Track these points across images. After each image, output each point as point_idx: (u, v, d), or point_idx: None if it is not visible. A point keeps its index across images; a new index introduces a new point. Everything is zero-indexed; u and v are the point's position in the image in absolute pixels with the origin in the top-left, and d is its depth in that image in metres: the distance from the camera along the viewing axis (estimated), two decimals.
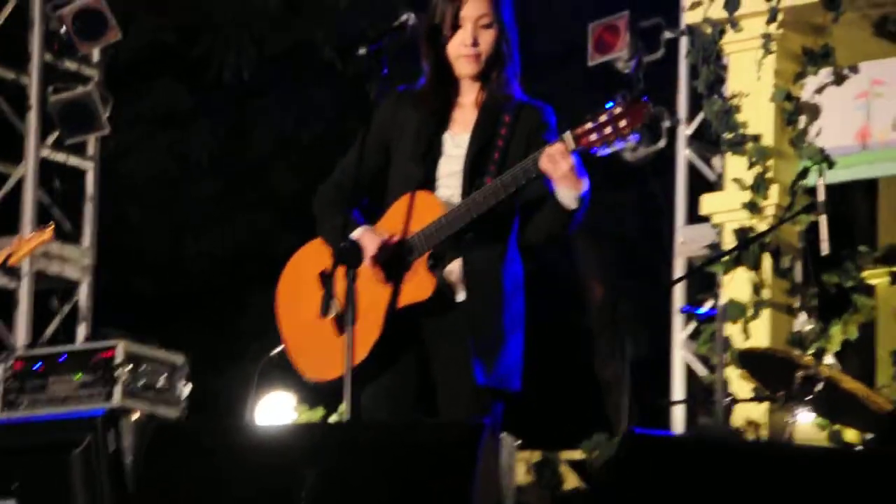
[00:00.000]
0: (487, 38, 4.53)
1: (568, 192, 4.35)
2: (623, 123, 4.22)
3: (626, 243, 11.79)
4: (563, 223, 4.42)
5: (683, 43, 8.17)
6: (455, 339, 4.46)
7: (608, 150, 4.27)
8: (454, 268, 4.49)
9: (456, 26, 4.54)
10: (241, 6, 10.76)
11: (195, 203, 11.61)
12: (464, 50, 4.54)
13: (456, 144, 4.55)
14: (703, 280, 8.05)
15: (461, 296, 4.48)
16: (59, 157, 8.66)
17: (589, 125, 4.26)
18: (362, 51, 4.43)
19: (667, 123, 8.34)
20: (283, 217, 10.67)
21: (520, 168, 4.38)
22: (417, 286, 4.46)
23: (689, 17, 7.99)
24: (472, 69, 4.55)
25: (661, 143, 8.34)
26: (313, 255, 4.61)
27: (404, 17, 4.52)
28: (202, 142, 11.26)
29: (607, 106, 4.24)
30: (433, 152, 4.54)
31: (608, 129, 4.24)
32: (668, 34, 8.26)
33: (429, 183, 4.52)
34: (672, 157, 8.42)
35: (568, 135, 4.29)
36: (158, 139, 11.35)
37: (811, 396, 5.70)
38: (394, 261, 4.48)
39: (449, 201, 4.49)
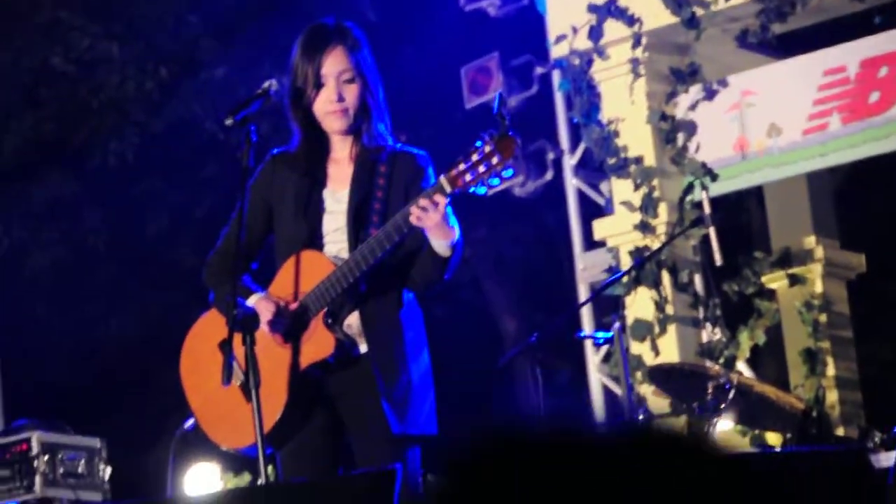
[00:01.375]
0: (352, 92, 4.67)
1: (440, 242, 4.48)
2: (495, 160, 4.34)
3: (533, 276, 11.99)
4: (438, 270, 4.54)
5: (556, 76, 8.36)
6: (363, 392, 4.57)
7: (485, 189, 4.40)
8: (352, 321, 4.61)
9: (319, 84, 4.67)
10: (116, 91, 10.91)
11: (97, 290, 11.63)
12: (330, 106, 4.67)
13: (336, 200, 4.68)
14: (609, 303, 8.23)
15: (363, 348, 4.61)
16: None
17: (462, 166, 4.38)
18: (229, 121, 4.55)
19: (551, 155, 8.53)
20: (186, 293, 10.75)
21: (393, 222, 4.52)
22: (317, 345, 4.57)
23: (556, 51, 8.15)
24: (341, 124, 4.69)
25: (549, 176, 8.53)
26: (210, 327, 4.71)
27: (266, 83, 4.64)
28: (95, 229, 11.34)
29: (476, 145, 4.36)
30: (315, 210, 4.65)
31: (481, 168, 4.36)
32: (539, 69, 8.46)
33: (315, 241, 4.63)
34: (561, 187, 8.62)
35: (443, 178, 4.41)
36: (52, 231, 11.41)
37: (725, 405, 5.83)
38: (290, 322, 4.58)
39: (338, 256, 4.60)
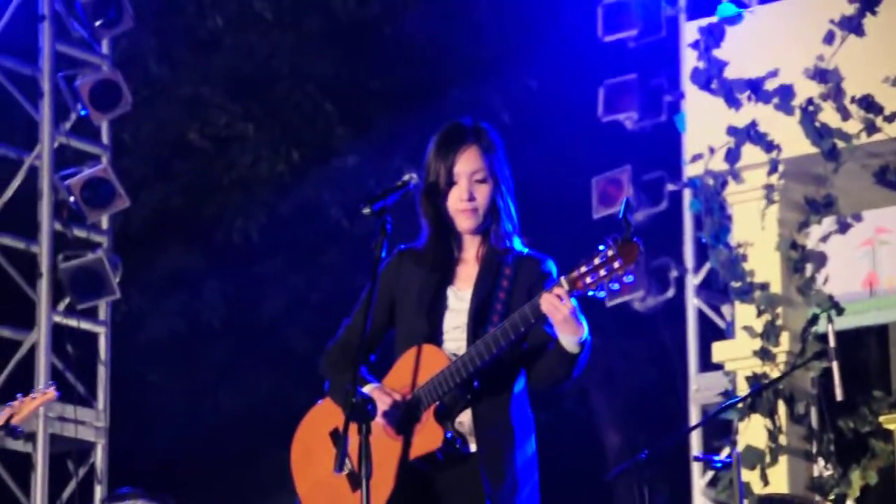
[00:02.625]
0: (483, 192, 4.67)
1: (569, 337, 4.47)
2: (616, 265, 4.34)
3: (642, 392, 11.86)
4: (566, 368, 4.53)
5: (687, 194, 8.31)
6: (468, 491, 4.54)
7: (605, 293, 4.40)
8: (465, 419, 4.58)
9: (451, 182, 4.68)
10: (248, 170, 11.03)
11: (209, 364, 11.71)
12: (461, 205, 4.67)
13: (459, 298, 4.66)
14: (719, 427, 8.07)
15: (473, 447, 4.57)
16: (72, 322, 8.75)
17: (583, 268, 4.38)
18: (366, 210, 4.54)
19: (674, 273, 8.46)
20: (296, 376, 10.78)
21: (519, 314, 4.48)
22: (426, 438, 4.55)
23: (690, 170, 8.07)
24: (470, 223, 4.69)
25: (670, 293, 8.45)
26: (323, 416, 4.72)
27: (406, 176, 4.65)
28: (213, 304, 11.46)
29: (599, 248, 4.36)
30: (438, 307, 4.65)
31: (602, 272, 4.35)
32: (671, 186, 8.43)
33: (434, 337, 4.62)
34: (682, 306, 8.53)
35: (563, 279, 4.41)
36: (170, 302, 11.51)
37: None
38: (403, 414, 4.57)
39: (455, 355, 4.58)
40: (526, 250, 4.71)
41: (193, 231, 11.30)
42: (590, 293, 4.40)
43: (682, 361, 8.56)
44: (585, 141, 9.92)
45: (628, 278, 4.35)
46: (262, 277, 11.50)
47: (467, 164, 4.67)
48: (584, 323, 4.46)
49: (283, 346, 11.45)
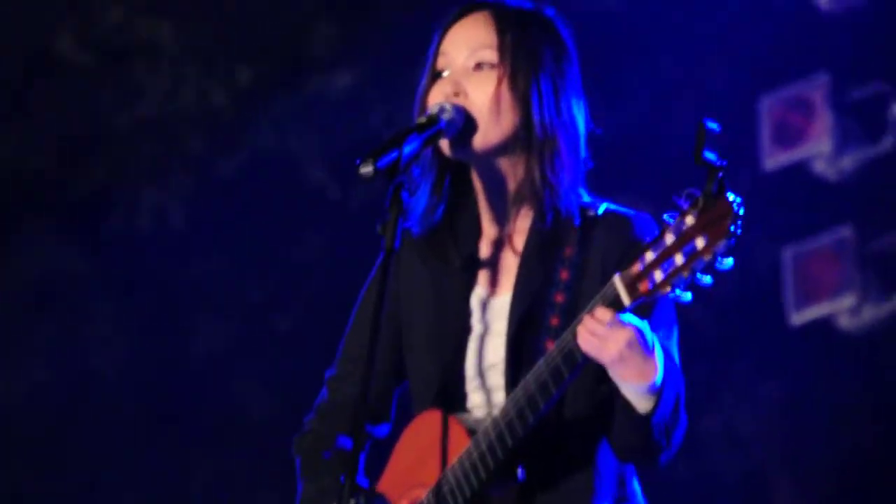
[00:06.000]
0: (481, 84, 4.78)
1: (628, 385, 4.43)
2: (700, 243, 4.26)
3: (855, 465, 11.72)
4: (640, 434, 4.50)
5: None
6: None
7: (690, 294, 4.29)
8: None
9: (436, 74, 4.69)
10: (162, 103, 11.03)
11: (99, 453, 11.59)
12: (435, 108, 4.65)
13: (494, 313, 4.73)
14: None
15: None
16: None
17: (649, 255, 4.35)
18: (366, 169, 4.47)
19: None
20: (253, 460, 10.72)
21: (560, 345, 4.44)
22: None
23: None
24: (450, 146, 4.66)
25: None
26: None
27: (435, 106, 4.53)
28: (107, 341, 11.40)
29: (667, 220, 4.35)
30: (458, 332, 4.72)
31: (679, 258, 4.29)
32: None
33: (457, 386, 4.69)
34: None
35: (618, 279, 4.40)
36: (32, 340, 11.50)
37: None
38: None
39: (491, 414, 4.67)
40: (605, 206, 4.76)
41: (69, 213, 11.27)
42: (668, 296, 4.35)
43: None
44: (749, 33, 9.55)
45: (726, 262, 4.30)
46: (189, 294, 11.41)
47: (460, 37, 4.65)
48: (656, 358, 4.43)
49: (227, 412, 11.33)
